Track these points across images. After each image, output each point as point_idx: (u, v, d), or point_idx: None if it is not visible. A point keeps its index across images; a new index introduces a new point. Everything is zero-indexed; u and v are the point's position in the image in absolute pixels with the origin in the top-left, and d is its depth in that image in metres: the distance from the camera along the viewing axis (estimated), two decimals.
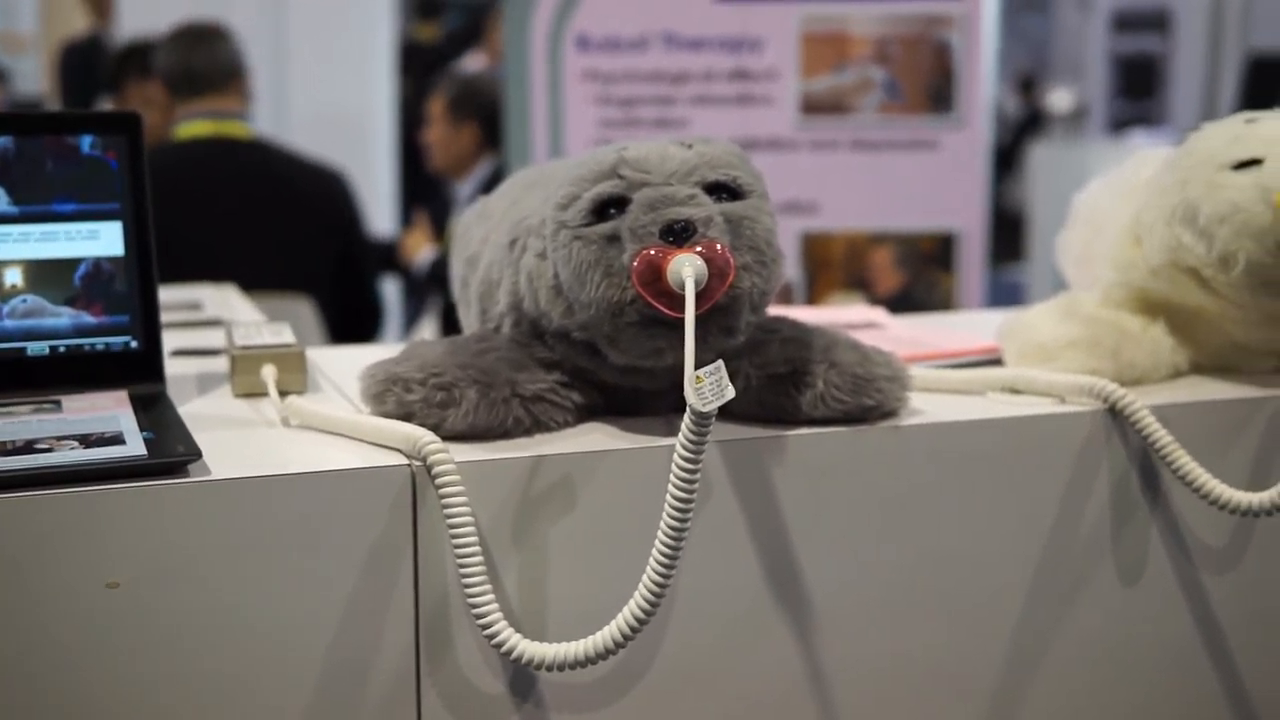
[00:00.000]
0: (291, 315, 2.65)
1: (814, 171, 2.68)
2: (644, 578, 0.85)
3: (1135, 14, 11.58)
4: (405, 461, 0.89)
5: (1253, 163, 1.07)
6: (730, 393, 0.86)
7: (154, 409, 0.97)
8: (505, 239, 1.02)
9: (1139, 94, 11.58)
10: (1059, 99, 11.44)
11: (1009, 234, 7.66)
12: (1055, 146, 9.05)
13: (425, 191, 4.61)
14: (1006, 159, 9.64)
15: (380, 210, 5.20)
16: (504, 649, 0.87)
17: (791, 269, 2.70)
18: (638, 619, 0.86)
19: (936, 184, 2.69)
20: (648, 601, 0.85)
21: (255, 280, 2.57)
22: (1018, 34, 12.46)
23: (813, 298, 2.72)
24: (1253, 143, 1.08)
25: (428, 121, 3.88)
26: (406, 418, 0.94)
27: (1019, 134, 10.74)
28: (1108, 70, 11.67)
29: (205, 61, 3.01)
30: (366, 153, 5.16)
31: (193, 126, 2.98)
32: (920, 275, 2.72)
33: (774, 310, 1.04)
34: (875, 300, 2.69)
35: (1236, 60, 9.36)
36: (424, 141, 3.93)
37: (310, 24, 5.02)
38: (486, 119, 3.61)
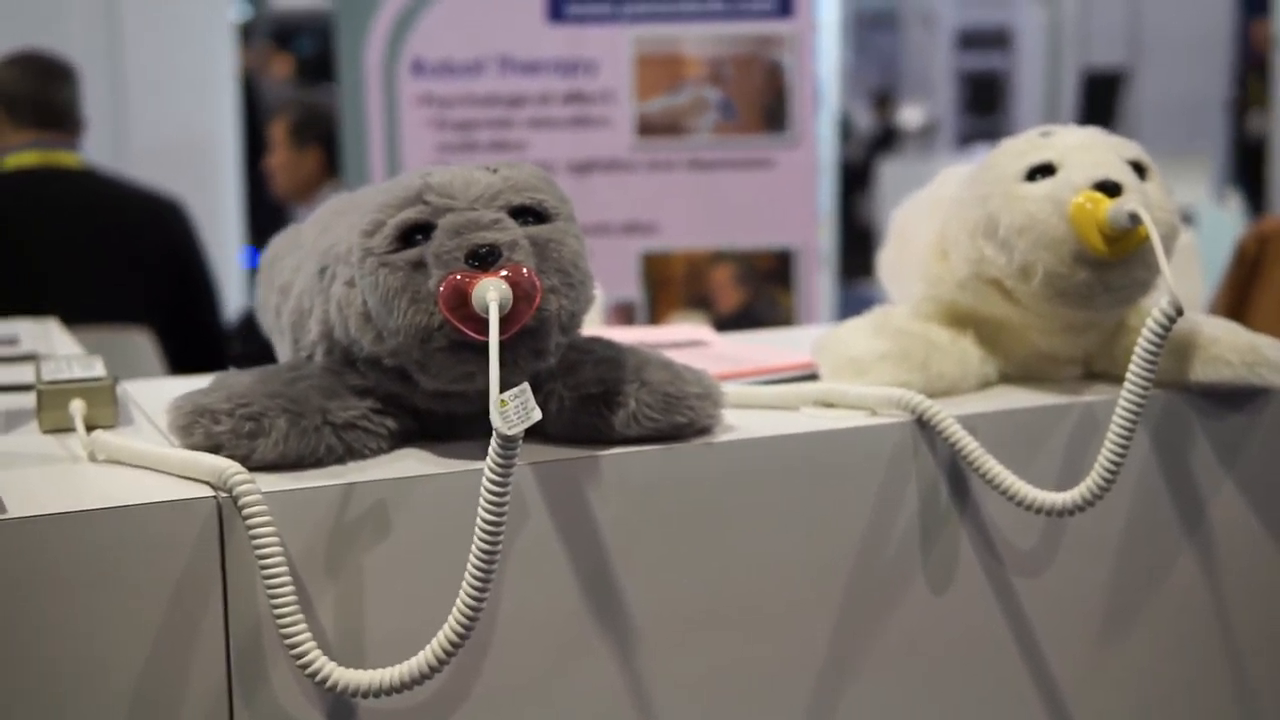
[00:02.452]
0: (127, 347, 2.61)
1: (652, 192, 2.70)
2: (457, 602, 0.86)
3: (978, 32, 11.87)
4: (212, 493, 0.88)
5: (1046, 169, 1.11)
6: (537, 415, 0.87)
7: None
8: (315, 267, 1.02)
9: (985, 110, 11.87)
10: (910, 115, 11.67)
11: (862, 249, 7.81)
12: (905, 162, 9.24)
13: (272, 221, 4.57)
14: (860, 175, 9.80)
15: (226, 239, 5.12)
16: (318, 678, 0.86)
17: (632, 289, 2.72)
18: (452, 643, 0.86)
19: (772, 202, 2.73)
20: (461, 625, 0.86)
21: (90, 312, 2.52)
22: (869, 51, 12.68)
23: (655, 317, 2.74)
24: (1046, 152, 1.12)
25: (270, 147, 3.84)
26: (215, 449, 0.93)
27: (872, 150, 10.93)
28: (955, 87, 11.94)
29: (59, 101, 2.94)
30: (210, 182, 5.08)
31: (19, 157, 2.90)
32: (760, 292, 2.76)
33: (608, 330, 1.05)
34: (717, 318, 2.72)
35: (1074, 76, 9.63)
36: (266, 168, 3.88)
37: (148, 51, 4.93)
38: (330, 143, 3.58)
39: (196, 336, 3.04)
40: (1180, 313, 1.02)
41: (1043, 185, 1.10)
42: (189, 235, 3.04)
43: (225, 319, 3.23)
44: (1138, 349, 1.03)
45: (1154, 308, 1.03)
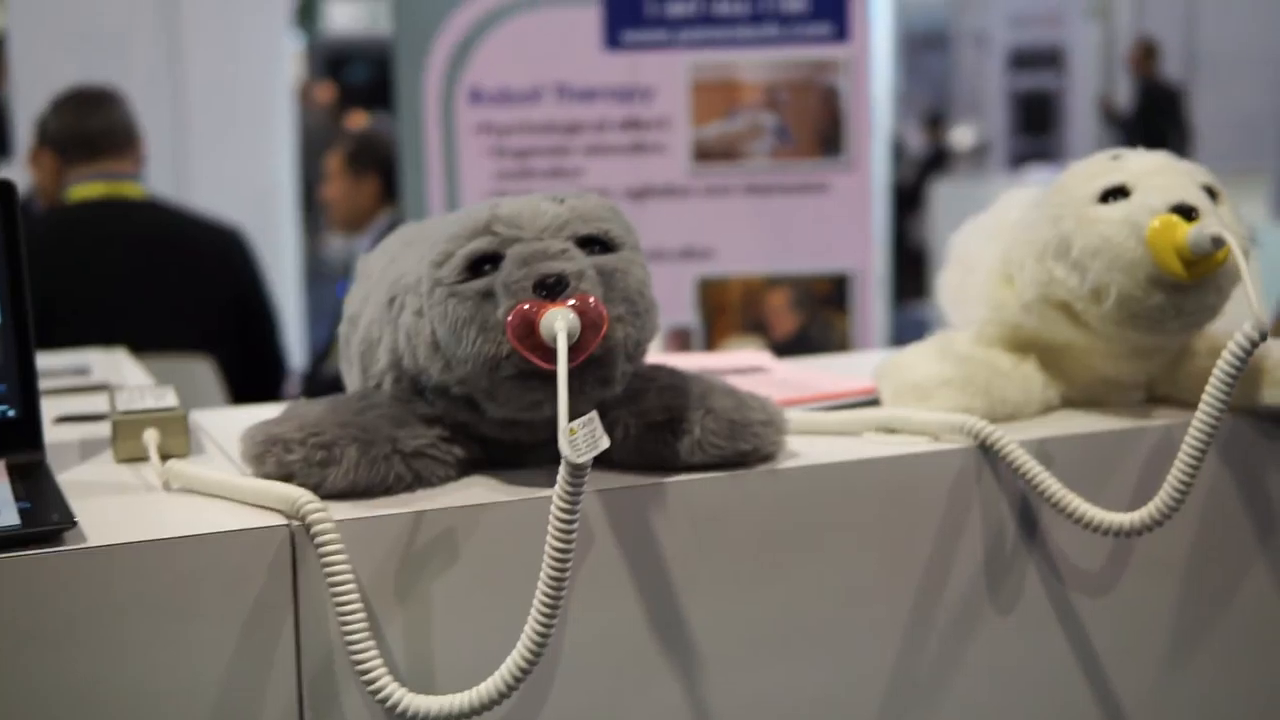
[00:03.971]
0: (189, 376, 2.64)
1: (708, 217, 2.71)
2: (526, 628, 0.87)
3: (1031, 52, 11.82)
4: (284, 522, 0.90)
5: (1119, 192, 1.11)
6: (605, 443, 0.87)
7: (31, 477, 0.97)
8: (384, 297, 1.03)
9: (1037, 130, 11.82)
10: (961, 136, 11.64)
11: (914, 271, 7.78)
12: (956, 183, 9.20)
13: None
14: (912, 197, 9.77)
15: (285, 272, 5.17)
16: (389, 704, 0.87)
17: (689, 314, 2.73)
18: (521, 669, 0.87)
19: (828, 226, 2.73)
20: (531, 651, 0.87)
21: (153, 341, 2.55)
22: (920, 73, 12.66)
23: (711, 343, 2.75)
24: (1118, 175, 1.12)
25: (325, 179, 3.86)
26: (287, 478, 0.95)
27: (924, 171, 10.90)
28: (1006, 107, 11.89)
29: (99, 126, 2.98)
30: (269, 214, 5.13)
31: (85, 188, 2.95)
32: (816, 317, 2.76)
33: (670, 357, 1.05)
34: (773, 343, 2.72)
35: (1128, 94, 9.58)
36: (322, 199, 3.91)
37: (209, 92, 4.99)
38: (388, 171, 3.60)
39: (258, 364, 3.07)
40: (1265, 337, 1.02)
41: (1118, 208, 1.10)
42: (250, 264, 3.07)
43: (285, 347, 3.26)
44: (1217, 369, 1.02)
45: (1237, 331, 1.02)
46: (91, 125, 2.97)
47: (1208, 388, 1.02)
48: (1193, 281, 1.07)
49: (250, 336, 3.04)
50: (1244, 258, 1.07)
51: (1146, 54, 8.81)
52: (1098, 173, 1.14)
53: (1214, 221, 1.07)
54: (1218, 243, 1.05)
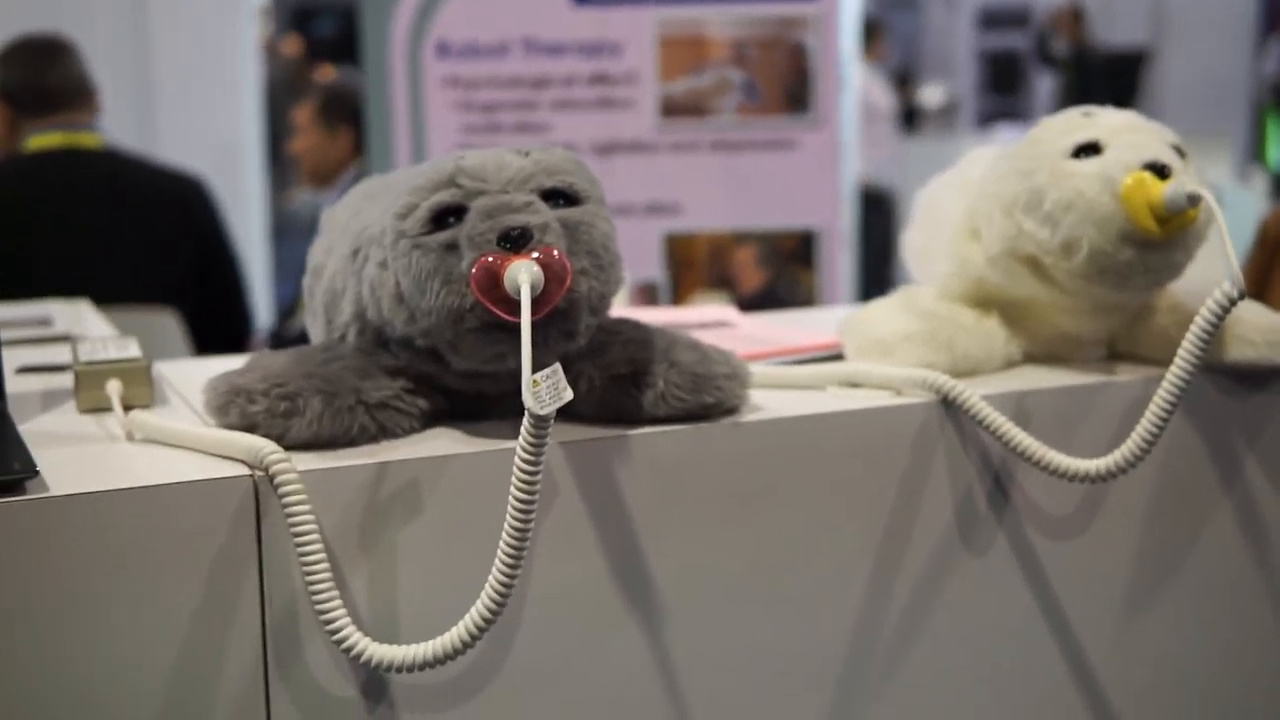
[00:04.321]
0: (153, 328, 2.62)
1: (675, 173, 2.71)
2: (489, 578, 0.87)
3: (999, 11, 11.81)
4: (248, 472, 0.90)
5: (1092, 148, 1.11)
6: (568, 395, 0.88)
7: None
8: (348, 249, 1.03)
9: (1005, 89, 11.82)
10: (930, 95, 11.62)
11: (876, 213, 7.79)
12: (926, 141, 9.20)
13: None
14: None
15: (252, 226, 5.14)
16: (353, 653, 0.88)
17: (655, 270, 2.73)
18: (484, 619, 0.87)
19: (795, 183, 2.74)
20: (494, 601, 0.87)
21: (115, 293, 2.53)
22: (890, 31, 12.63)
23: (677, 298, 2.75)
24: (1092, 131, 1.13)
25: (295, 132, 3.83)
26: (250, 429, 0.95)
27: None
28: (976, 66, 11.89)
29: (56, 80, 2.94)
30: (235, 169, 5.09)
31: (42, 139, 2.91)
32: (782, 273, 2.76)
33: (635, 311, 1.05)
34: (740, 298, 2.72)
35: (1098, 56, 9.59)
36: (292, 153, 3.87)
37: (172, 36, 4.94)
38: (359, 123, 3.56)
39: (222, 318, 3.05)
40: (1243, 295, 1.03)
41: (1092, 163, 1.10)
42: (213, 214, 3.04)
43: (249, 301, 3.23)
44: (1195, 324, 1.03)
45: (1216, 288, 1.03)
46: (49, 79, 2.94)
47: (1184, 341, 1.03)
48: (1164, 239, 1.08)
49: (214, 289, 3.01)
50: (1208, 217, 1.08)
51: (1075, 18, 8.82)
52: (1070, 128, 1.14)
53: (1189, 179, 1.08)
54: (1194, 200, 1.06)
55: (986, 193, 1.18)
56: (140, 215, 2.91)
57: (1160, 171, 1.08)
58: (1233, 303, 1.03)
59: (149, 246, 2.91)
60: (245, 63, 5.26)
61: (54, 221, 2.83)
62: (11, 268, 2.65)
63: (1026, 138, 1.18)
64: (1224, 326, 1.16)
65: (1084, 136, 1.13)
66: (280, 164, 6.46)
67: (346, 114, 3.69)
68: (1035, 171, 1.13)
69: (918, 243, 1.34)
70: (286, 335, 3.41)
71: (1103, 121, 1.14)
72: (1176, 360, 1.04)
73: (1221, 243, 1.05)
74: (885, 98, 7.96)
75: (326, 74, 7.14)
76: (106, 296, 2.15)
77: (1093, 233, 1.09)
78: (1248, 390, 1.21)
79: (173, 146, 4.66)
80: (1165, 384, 1.04)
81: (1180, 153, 1.13)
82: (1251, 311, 1.18)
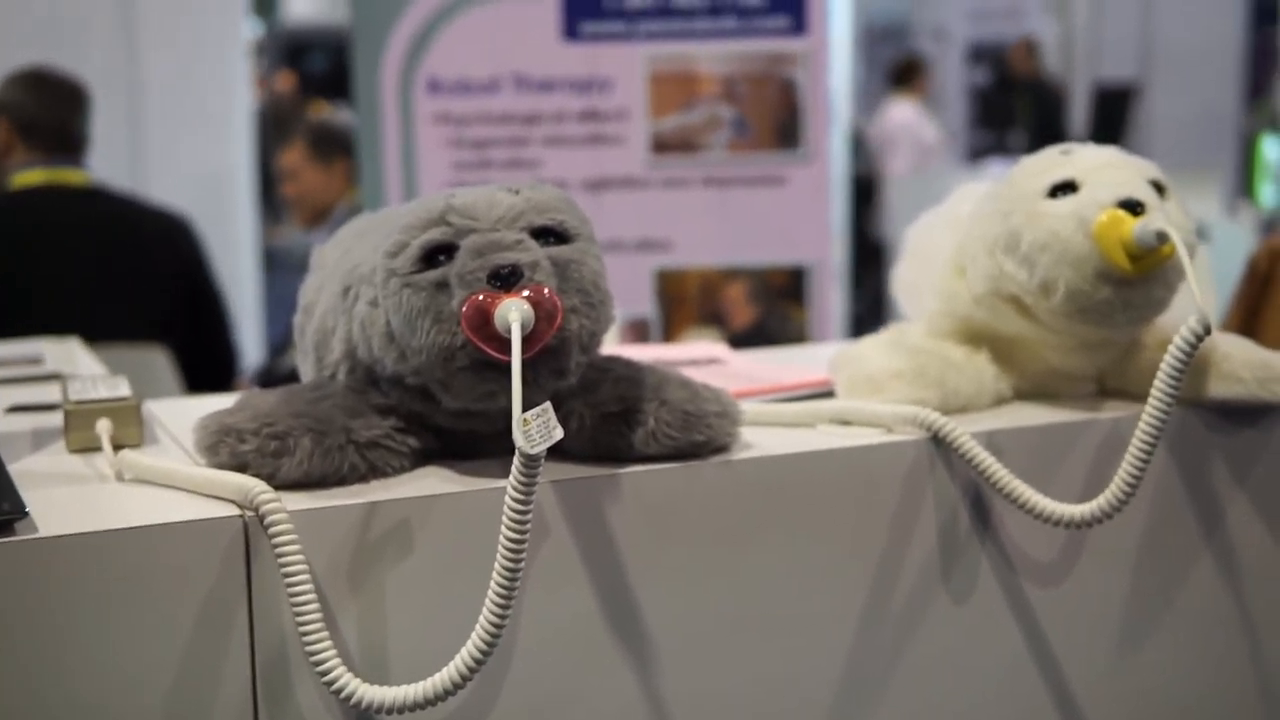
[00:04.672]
0: (144, 365, 2.62)
1: (666, 209, 2.71)
2: (480, 618, 0.87)
3: (989, 46, 11.85)
4: (238, 512, 0.89)
5: (1068, 186, 1.12)
6: (559, 434, 0.88)
7: None
8: (339, 287, 1.03)
9: (996, 124, 11.86)
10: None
11: (873, 263, 7.80)
12: (914, 177, 9.23)
13: None
14: (869, 189, 9.78)
15: (242, 262, 5.13)
16: (343, 694, 0.87)
17: (646, 306, 2.73)
18: (475, 659, 0.87)
19: (786, 219, 2.74)
20: (485, 642, 0.87)
21: (104, 330, 2.53)
22: (879, 66, 12.68)
23: (668, 334, 2.75)
24: (1068, 170, 1.13)
25: (286, 177, 3.80)
26: (241, 468, 0.94)
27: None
28: (966, 101, 11.92)
29: (75, 127, 2.95)
30: (226, 205, 5.09)
31: (26, 176, 2.91)
32: (773, 309, 2.77)
33: (626, 348, 1.05)
34: (731, 334, 2.72)
35: (1086, 90, 9.63)
36: (286, 197, 3.85)
37: (164, 69, 4.94)
38: (353, 153, 3.55)
39: (209, 356, 3.05)
40: (1209, 330, 1.03)
41: (1066, 203, 1.11)
42: (198, 251, 3.04)
43: (236, 337, 3.23)
44: (1165, 363, 1.03)
45: (1183, 325, 1.03)
46: (69, 124, 2.94)
47: (1156, 382, 1.04)
48: (1139, 276, 1.08)
49: (200, 328, 3.01)
50: (1188, 253, 1.08)
51: (1028, 52, 8.89)
52: (1047, 167, 1.15)
53: (1159, 217, 1.08)
54: (1162, 237, 1.06)
55: (971, 233, 1.19)
56: (127, 252, 2.91)
57: (1134, 209, 1.08)
58: (1199, 338, 1.03)
59: (137, 283, 2.91)
60: (237, 97, 5.27)
61: (40, 259, 2.83)
62: (1, 304, 2.65)
63: (1006, 178, 1.18)
64: (1212, 363, 1.17)
65: (1060, 175, 1.13)
66: (271, 199, 6.47)
67: (339, 146, 3.69)
68: (1012, 213, 1.14)
69: (908, 278, 1.35)
70: (279, 371, 3.41)
71: (1080, 160, 1.14)
72: (1150, 401, 1.04)
73: (1201, 277, 1.06)
74: (931, 132, 7.97)
75: (319, 110, 7.15)
76: (95, 333, 2.14)
77: (1069, 273, 1.10)
78: (1236, 427, 1.21)
79: (163, 181, 4.67)
80: (1141, 425, 1.04)
81: (1159, 188, 1.13)
82: (1240, 348, 1.18)
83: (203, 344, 3.01)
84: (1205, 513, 1.21)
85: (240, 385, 3.17)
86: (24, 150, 2.94)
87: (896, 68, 8.41)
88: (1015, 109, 8.49)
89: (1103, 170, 1.12)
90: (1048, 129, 8.16)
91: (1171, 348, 1.03)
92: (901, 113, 7.99)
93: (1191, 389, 1.17)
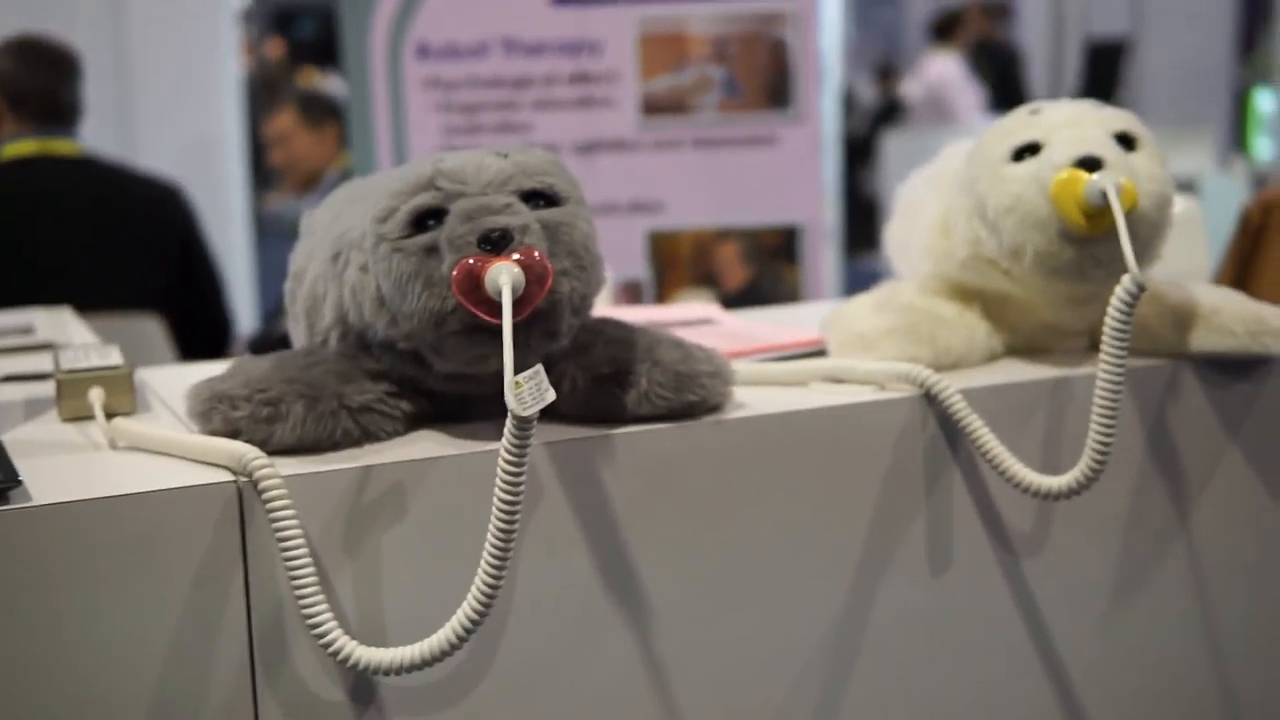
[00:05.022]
0: (136, 334, 2.62)
1: (657, 171, 2.71)
2: (476, 580, 0.87)
3: (983, 4, 11.79)
4: (231, 478, 0.90)
5: (1032, 149, 1.11)
6: (551, 396, 0.88)
7: None
8: (329, 253, 1.03)
9: (988, 80, 11.82)
10: (912, 88, 11.61)
11: (866, 222, 7.80)
12: (907, 135, 9.21)
13: None
14: (864, 148, 9.76)
15: (235, 237, 5.12)
16: (340, 656, 0.88)
17: (639, 268, 2.73)
18: (471, 620, 0.88)
19: (778, 179, 2.74)
20: (480, 603, 0.87)
21: (97, 300, 2.53)
22: (872, 24, 12.63)
23: (662, 296, 2.75)
24: (1033, 131, 1.12)
25: (275, 143, 3.80)
26: (234, 434, 0.95)
27: (876, 123, 10.87)
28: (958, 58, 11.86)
29: (65, 96, 2.94)
30: (217, 172, 5.08)
31: (17, 146, 2.91)
32: (766, 269, 2.77)
33: (618, 310, 1.05)
34: (724, 295, 2.72)
35: (1077, 46, 9.60)
36: (276, 163, 3.84)
37: (151, 37, 4.92)
38: (343, 118, 3.55)
39: (203, 324, 3.05)
40: (1142, 289, 1.03)
41: (1027, 165, 1.10)
42: (190, 220, 3.04)
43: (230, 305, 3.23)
44: (1105, 329, 1.03)
45: (1117, 286, 1.03)
46: (59, 93, 2.93)
47: (1102, 347, 1.04)
48: (1099, 233, 1.07)
49: (194, 296, 3.01)
50: (1155, 203, 1.08)
51: (982, 12, 8.87)
52: (1012, 129, 1.14)
53: (1111, 173, 1.07)
54: (1104, 196, 1.05)
55: (953, 200, 1.19)
56: (119, 221, 2.91)
57: (1091, 165, 1.08)
58: (1134, 296, 1.03)
59: (129, 252, 2.90)
60: (226, 65, 5.25)
61: (32, 229, 2.82)
62: None
63: (976, 143, 1.18)
64: (1203, 317, 1.17)
65: (1024, 138, 1.12)
66: (261, 167, 6.45)
67: (328, 111, 3.68)
68: (978, 179, 1.13)
69: (898, 237, 1.35)
70: (272, 337, 3.41)
71: (1045, 119, 1.14)
72: (1099, 369, 1.03)
73: (1193, 230, 1.05)
74: (970, 88, 7.93)
75: (308, 77, 7.13)
76: (89, 302, 2.14)
77: (1034, 235, 1.09)
78: (1230, 380, 1.21)
79: (153, 149, 4.65)
80: (1097, 394, 1.03)
81: (1129, 140, 1.12)
82: (1231, 301, 1.19)
83: (196, 312, 3.01)
84: (1196, 467, 1.22)
85: (234, 353, 3.17)
86: (13, 121, 2.93)
87: (937, 21, 8.34)
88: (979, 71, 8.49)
89: (1064, 129, 1.11)
90: (1007, 89, 8.17)
91: (1109, 311, 1.03)
92: (944, 65, 7.95)
93: (1182, 342, 1.17)
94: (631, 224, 2.73)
